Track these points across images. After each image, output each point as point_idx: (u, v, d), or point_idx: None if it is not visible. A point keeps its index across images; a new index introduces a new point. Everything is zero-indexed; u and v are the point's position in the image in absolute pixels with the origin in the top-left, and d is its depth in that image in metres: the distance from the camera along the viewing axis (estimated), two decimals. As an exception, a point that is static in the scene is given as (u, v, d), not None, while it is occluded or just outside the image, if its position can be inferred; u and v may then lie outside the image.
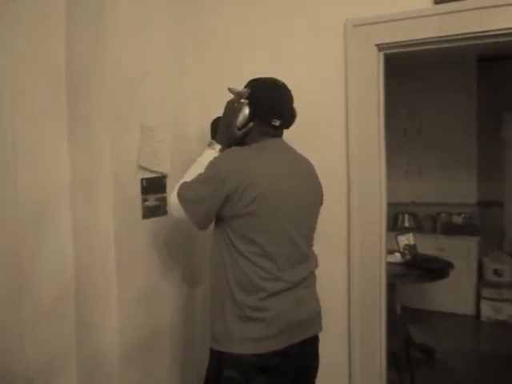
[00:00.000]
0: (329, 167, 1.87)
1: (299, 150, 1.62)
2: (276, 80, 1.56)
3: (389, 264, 2.12)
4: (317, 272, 1.64)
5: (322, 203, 1.65)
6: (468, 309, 4.51)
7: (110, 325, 1.73)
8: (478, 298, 4.47)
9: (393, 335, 2.25)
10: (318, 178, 1.64)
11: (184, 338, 2.10)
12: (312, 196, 1.59)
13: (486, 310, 4.40)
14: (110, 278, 1.71)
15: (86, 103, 1.73)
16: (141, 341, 1.83)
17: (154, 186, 1.85)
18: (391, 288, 2.88)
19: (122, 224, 1.73)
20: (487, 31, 1.66)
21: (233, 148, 1.52)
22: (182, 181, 1.51)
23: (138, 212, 1.81)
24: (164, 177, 1.91)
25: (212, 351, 1.50)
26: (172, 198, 1.49)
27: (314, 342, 1.58)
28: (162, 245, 1.93)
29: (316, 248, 1.64)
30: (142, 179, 1.81)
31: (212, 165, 1.45)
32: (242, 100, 1.53)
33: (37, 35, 1.67)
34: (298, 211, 1.49)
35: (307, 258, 1.55)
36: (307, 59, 1.94)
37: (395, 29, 1.76)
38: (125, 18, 1.75)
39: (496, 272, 4.55)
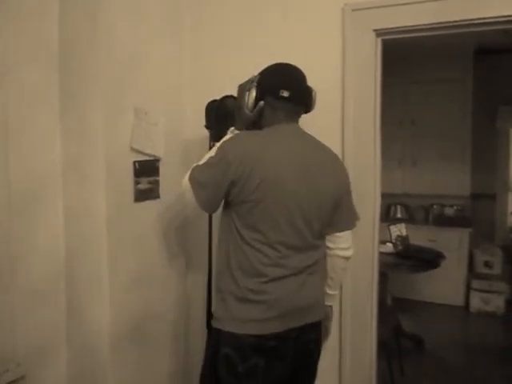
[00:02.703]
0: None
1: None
2: (287, 62, 1.55)
3: (381, 254, 2.12)
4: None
5: (342, 196, 1.57)
6: (458, 300, 4.55)
7: (101, 310, 1.72)
8: (468, 289, 4.51)
9: (383, 324, 2.26)
10: (340, 170, 1.60)
11: (176, 323, 2.09)
12: (326, 187, 1.51)
13: (476, 302, 4.44)
14: (102, 262, 1.70)
15: (79, 86, 1.70)
16: (132, 326, 1.82)
17: (146, 168, 1.83)
18: (383, 278, 2.88)
19: (113, 207, 1.71)
20: (485, 18, 1.65)
21: (242, 132, 1.53)
22: (195, 164, 1.51)
23: (131, 195, 1.79)
24: (157, 160, 1.89)
25: (212, 329, 1.52)
26: (184, 180, 1.50)
27: (315, 327, 1.57)
28: (154, 228, 1.92)
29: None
30: (135, 162, 1.79)
31: (220, 148, 1.46)
32: (253, 83, 1.52)
33: (29, 17, 1.63)
34: (305, 201, 1.46)
35: (314, 248, 1.53)
36: (305, 43, 1.92)
37: (393, 14, 1.75)
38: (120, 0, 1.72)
39: (486, 264, 4.59)
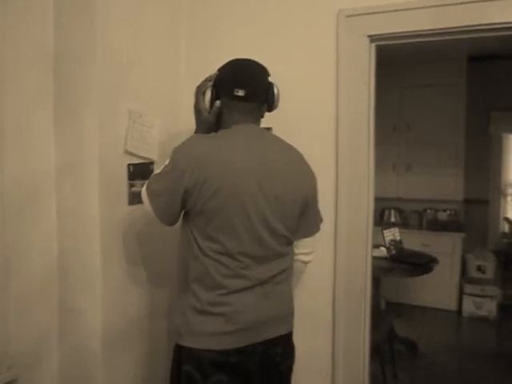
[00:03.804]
0: (317, 160, 1.85)
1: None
2: (244, 58, 1.46)
3: (374, 258, 2.13)
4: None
5: (308, 201, 1.48)
6: (450, 304, 4.58)
7: (93, 310, 1.71)
8: (461, 293, 4.53)
9: (377, 328, 2.26)
10: (306, 173, 1.50)
11: (169, 323, 2.09)
12: (290, 192, 1.41)
13: (468, 306, 4.47)
14: (95, 263, 1.69)
15: (75, 88, 1.69)
16: (125, 327, 1.81)
17: (141, 171, 1.83)
18: (376, 282, 2.90)
19: (107, 210, 1.70)
20: (480, 25, 1.66)
21: (194, 135, 1.46)
22: (154, 173, 1.46)
23: (124, 198, 1.78)
24: (151, 163, 1.88)
25: (175, 345, 1.44)
26: (142, 190, 1.44)
27: (282, 341, 1.48)
28: (148, 231, 1.91)
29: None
30: (129, 164, 1.79)
31: (172, 156, 1.37)
32: (209, 83, 1.47)
33: (25, 19, 1.62)
34: (267, 207, 1.35)
35: (281, 256, 1.44)
36: (299, 49, 1.93)
37: (388, 20, 1.76)
38: (116, 1, 1.72)
39: (479, 268, 4.61)
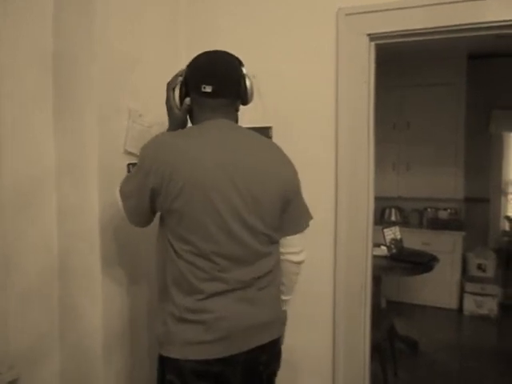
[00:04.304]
0: (317, 159, 1.86)
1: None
2: (214, 50, 1.41)
3: (375, 257, 2.13)
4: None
5: (289, 197, 1.39)
6: (451, 303, 4.58)
7: (94, 309, 1.71)
8: (462, 292, 4.53)
9: (377, 327, 2.26)
10: (285, 169, 1.40)
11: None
12: (267, 188, 1.33)
13: (469, 304, 4.46)
14: (95, 263, 1.69)
15: (74, 87, 1.69)
16: (126, 326, 1.81)
17: (140, 171, 1.83)
18: (376, 281, 2.89)
19: (107, 209, 1.70)
20: (478, 23, 1.66)
21: (160, 133, 1.42)
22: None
23: (124, 198, 1.78)
24: (151, 163, 1.88)
25: (158, 355, 1.39)
26: (116, 191, 1.41)
27: (268, 348, 1.40)
28: (147, 231, 1.91)
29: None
30: (129, 164, 1.78)
31: (140, 155, 1.34)
32: (180, 78, 1.43)
33: (24, 18, 1.62)
34: (242, 205, 1.28)
35: (263, 256, 1.36)
36: (298, 48, 1.93)
37: (387, 19, 1.76)
38: (116, 1, 1.71)
39: (480, 267, 4.61)
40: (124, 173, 1.77)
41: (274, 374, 1.49)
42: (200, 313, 1.29)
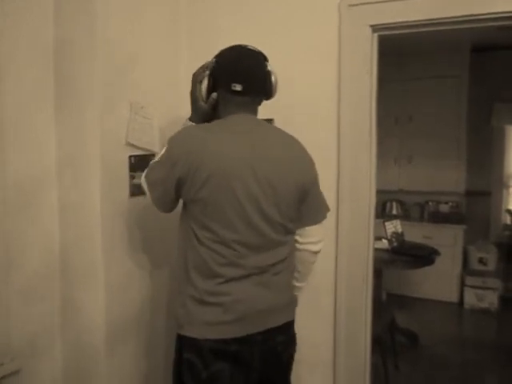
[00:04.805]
0: (319, 152, 1.84)
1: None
2: (243, 45, 1.45)
3: (376, 250, 2.13)
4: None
5: (308, 189, 1.47)
6: (452, 296, 4.59)
7: (95, 305, 1.71)
8: (462, 285, 4.54)
9: (378, 320, 2.27)
10: (304, 161, 1.49)
11: (171, 318, 2.09)
12: (286, 180, 1.41)
13: (470, 298, 4.47)
14: (97, 257, 1.69)
15: (75, 81, 1.69)
16: (128, 320, 1.82)
17: (142, 163, 1.82)
18: (377, 274, 2.90)
19: (109, 202, 1.70)
20: (481, 14, 1.65)
21: (189, 125, 1.47)
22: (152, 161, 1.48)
23: (126, 190, 1.78)
24: (153, 154, 1.87)
25: (177, 334, 1.47)
26: (142, 178, 1.47)
27: (285, 330, 1.50)
28: (150, 223, 1.91)
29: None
30: (131, 156, 1.78)
31: (167, 145, 1.40)
32: (206, 72, 1.46)
33: (24, 13, 1.62)
34: (262, 196, 1.36)
35: (279, 244, 1.44)
36: (301, 39, 1.92)
37: (390, 10, 1.74)
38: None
39: (481, 260, 4.61)
40: (126, 165, 1.77)
41: (291, 358, 1.57)
42: (219, 295, 1.37)
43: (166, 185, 1.38)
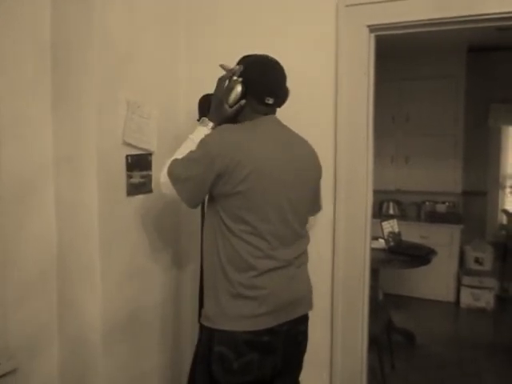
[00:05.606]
0: (316, 152, 1.85)
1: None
2: (269, 57, 1.54)
3: (373, 250, 2.14)
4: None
5: (318, 184, 1.66)
6: (448, 296, 4.59)
7: (93, 302, 1.71)
8: (459, 285, 4.55)
9: (375, 320, 2.27)
10: (316, 159, 1.62)
11: (168, 317, 2.09)
12: (308, 174, 1.57)
13: (466, 297, 4.48)
14: (94, 255, 1.69)
15: (72, 78, 1.69)
16: (125, 319, 1.82)
17: (139, 162, 1.83)
18: (374, 273, 2.91)
19: (106, 201, 1.70)
20: (479, 15, 1.66)
21: (224, 125, 1.51)
22: (172, 158, 1.49)
23: (123, 189, 1.78)
24: (150, 154, 1.88)
25: (203, 328, 1.51)
26: (162, 175, 1.48)
27: (305, 320, 1.59)
28: (146, 222, 1.91)
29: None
30: (127, 156, 1.78)
31: (203, 143, 1.44)
32: (235, 78, 1.51)
33: (21, 12, 1.61)
34: (292, 190, 1.48)
35: (300, 237, 1.55)
36: (298, 39, 1.92)
37: (387, 10, 1.75)
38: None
39: (477, 260, 4.62)
40: (123, 164, 1.77)
41: (306, 347, 1.63)
42: (254, 289, 1.43)
43: (202, 180, 1.42)
